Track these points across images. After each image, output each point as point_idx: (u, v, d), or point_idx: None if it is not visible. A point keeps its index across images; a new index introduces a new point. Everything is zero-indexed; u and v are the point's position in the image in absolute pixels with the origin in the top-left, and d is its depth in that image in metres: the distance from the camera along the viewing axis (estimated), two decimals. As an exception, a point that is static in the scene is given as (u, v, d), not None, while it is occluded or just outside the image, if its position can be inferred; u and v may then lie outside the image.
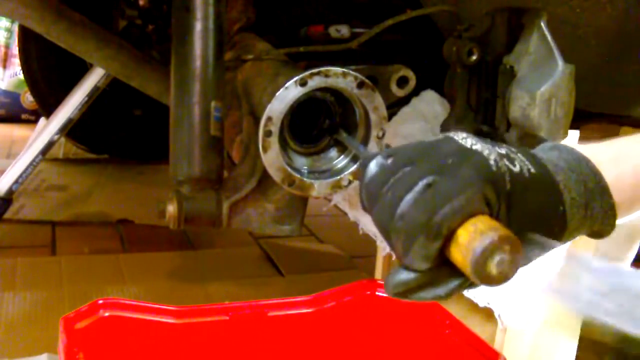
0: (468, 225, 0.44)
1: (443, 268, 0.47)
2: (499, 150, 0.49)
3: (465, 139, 0.50)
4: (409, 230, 0.46)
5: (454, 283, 0.47)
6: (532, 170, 0.49)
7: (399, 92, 0.89)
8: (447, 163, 0.48)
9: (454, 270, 0.46)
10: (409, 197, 0.46)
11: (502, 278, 0.43)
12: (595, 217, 0.52)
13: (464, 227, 0.44)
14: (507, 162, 0.48)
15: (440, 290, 0.48)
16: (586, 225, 0.52)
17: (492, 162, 0.48)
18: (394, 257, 0.99)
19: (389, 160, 0.51)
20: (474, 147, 0.49)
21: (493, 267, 0.42)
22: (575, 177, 0.51)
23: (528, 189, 0.49)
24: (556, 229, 0.50)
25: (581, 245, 0.84)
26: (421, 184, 0.47)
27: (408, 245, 0.46)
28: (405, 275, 0.48)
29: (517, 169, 0.48)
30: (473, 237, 0.43)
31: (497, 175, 0.47)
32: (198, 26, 0.95)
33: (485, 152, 0.48)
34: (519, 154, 0.50)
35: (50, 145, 1.68)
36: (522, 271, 0.82)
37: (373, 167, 0.52)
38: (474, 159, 0.48)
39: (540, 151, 0.53)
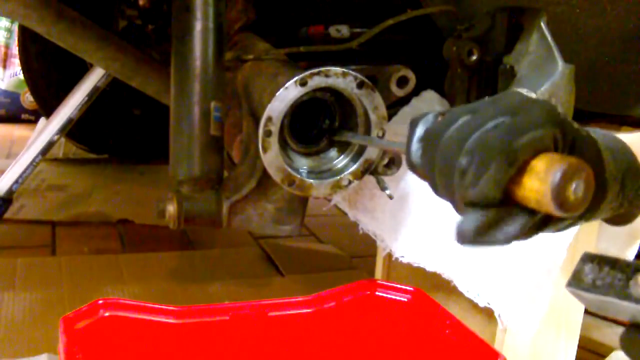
0: (541, 156, 0.44)
1: (511, 204, 0.46)
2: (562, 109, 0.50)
3: (529, 92, 0.50)
4: (483, 157, 0.45)
5: (524, 218, 0.46)
6: (584, 133, 0.50)
7: (399, 92, 0.89)
8: (518, 106, 0.47)
9: (521, 207, 0.45)
10: (477, 135, 0.46)
11: (577, 204, 0.43)
12: (627, 195, 0.52)
13: (537, 159, 0.44)
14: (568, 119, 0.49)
15: (512, 228, 0.46)
16: (618, 201, 0.52)
17: (560, 109, 0.48)
18: (394, 257, 0.99)
19: (446, 114, 0.50)
20: (540, 98, 0.49)
21: (571, 192, 0.42)
22: (611, 154, 0.52)
23: (585, 145, 0.49)
24: (599, 192, 0.50)
25: (581, 244, 0.84)
26: (490, 124, 0.46)
27: (480, 173, 0.45)
28: (473, 217, 0.46)
29: (575, 126, 0.49)
30: (551, 163, 0.43)
31: (565, 122, 0.47)
32: (198, 26, 0.95)
33: (552, 102, 0.49)
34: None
35: (50, 145, 1.68)
36: (522, 270, 0.82)
37: (427, 120, 0.51)
38: (542, 104, 0.48)
39: None
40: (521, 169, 0.45)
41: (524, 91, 0.50)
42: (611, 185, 0.51)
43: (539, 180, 0.43)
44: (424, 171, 0.52)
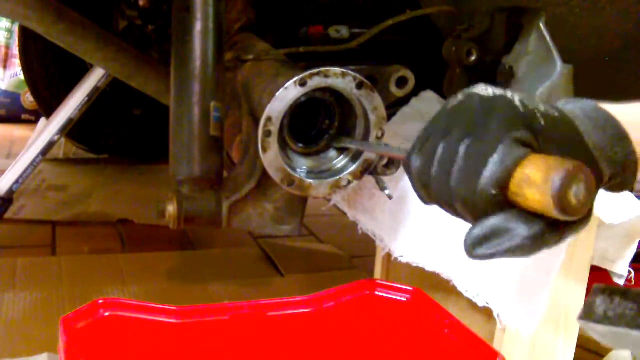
0: (534, 163, 0.45)
1: (514, 211, 0.46)
2: (521, 94, 0.49)
3: (486, 89, 0.50)
4: (466, 201, 0.47)
5: (529, 221, 0.46)
6: (555, 113, 0.49)
7: (398, 93, 0.89)
8: (475, 120, 0.48)
9: (522, 210, 0.46)
10: (455, 169, 0.48)
11: (581, 208, 0.43)
12: (619, 163, 0.51)
13: (530, 167, 0.44)
14: (532, 102, 0.48)
15: (520, 231, 0.46)
16: (612, 170, 0.51)
17: (517, 103, 0.48)
18: (393, 257, 0.99)
19: (425, 146, 0.52)
20: (497, 93, 0.49)
21: (572, 197, 0.42)
22: (593, 124, 0.51)
23: (558, 126, 0.49)
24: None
25: (580, 244, 0.84)
26: (461, 151, 0.47)
27: (474, 214, 0.47)
28: (477, 226, 0.47)
29: (542, 108, 0.49)
30: (547, 171, 0.43)
31: (528, 115, 0.47)
32: (198, 26, 0.95)
33: (509, 95, 0.48)
34: (537, 100, 0.50)
35: (50, 145, 1.68)
36: (521, 270, 0.82)
37: (414, 160, 0.53)
38: (499, 106, 0.48)
39: (556, 104, 0.53)
40: (506, 192, 0.45)
41: (481, 89, 0.50)
42: (599, 157, 0.50)
43: (540, 193, 0.43)
44: (436, 204, 0.53)
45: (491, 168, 0.45)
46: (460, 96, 0.52)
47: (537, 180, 0.44)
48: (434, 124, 0.52)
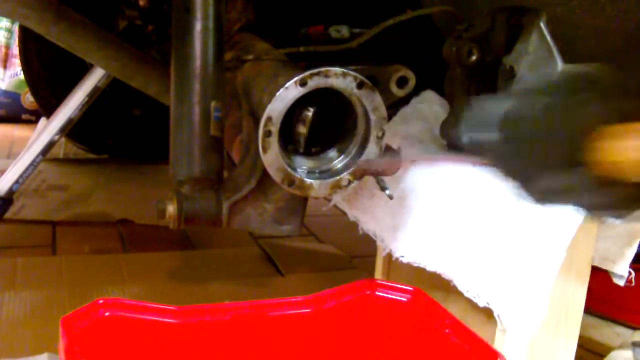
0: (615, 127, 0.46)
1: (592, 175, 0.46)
2: None
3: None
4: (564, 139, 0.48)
5: (599, 186, 0.46)
6: None
7: (399, 93, 0.89)
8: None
9: (600, 176, 0.46)
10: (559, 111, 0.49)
11: None
12: None
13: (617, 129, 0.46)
14: None
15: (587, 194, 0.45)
16: None
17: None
18: (394, 257, 0.99)
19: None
20: None
21: None
22: None
23: None
24: None
25: (580, 244, 0.84)
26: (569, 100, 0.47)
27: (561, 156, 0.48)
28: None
29: None
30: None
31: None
32: (198, 26, 0.95)
33: None
34: None
35: (50, 145, 1.68)
36: (521, 271, 0.82)
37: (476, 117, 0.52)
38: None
39: None
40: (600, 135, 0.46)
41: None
42: None
43: (629, 149, 0.44)
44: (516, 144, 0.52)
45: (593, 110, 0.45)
46: None
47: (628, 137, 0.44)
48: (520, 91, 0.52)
